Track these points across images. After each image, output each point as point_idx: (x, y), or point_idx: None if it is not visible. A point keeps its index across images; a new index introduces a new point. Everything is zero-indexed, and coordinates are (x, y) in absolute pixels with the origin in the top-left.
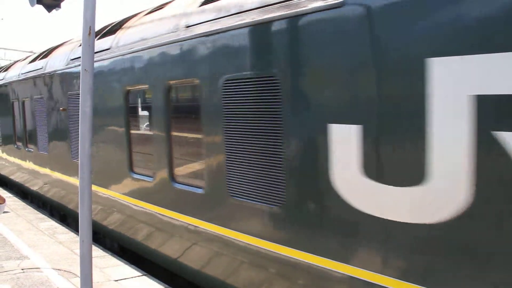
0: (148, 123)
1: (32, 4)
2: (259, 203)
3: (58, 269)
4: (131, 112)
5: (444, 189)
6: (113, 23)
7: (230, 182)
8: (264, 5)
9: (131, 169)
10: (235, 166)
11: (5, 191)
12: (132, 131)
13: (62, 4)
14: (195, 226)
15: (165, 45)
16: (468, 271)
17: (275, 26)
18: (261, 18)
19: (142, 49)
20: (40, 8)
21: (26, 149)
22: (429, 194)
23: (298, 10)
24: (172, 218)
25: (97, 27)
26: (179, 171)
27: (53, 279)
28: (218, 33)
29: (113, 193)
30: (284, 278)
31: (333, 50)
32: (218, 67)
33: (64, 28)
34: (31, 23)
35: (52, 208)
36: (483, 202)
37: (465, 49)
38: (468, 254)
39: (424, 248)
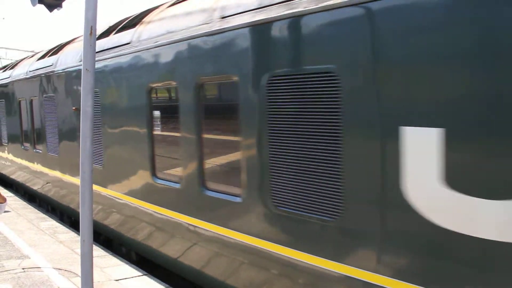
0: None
1: (33, 4)
2: (310, 214)
3: (59, 269)
4: (155, 112)
5: None
6: (130, 16)
7: (275, 190)
8: None
9: (153, 174)
10: (281, 173)
11: (6, 191)
12: (156, 133)
13: (64, 3)
14: (231, 238)
15: (196, 38)
16: None
17: (336, 15)
18: (318, 6)
19: (169, 43)
20: (41, 7)
21: (34, 150)
22: None
23: None
24: (202, 228)
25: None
26: (211, 177)
27: (54, 279)
28: (262, 23)
29: (132, 199)
30: None
31: (411, 41)
32: (261, 63)
33: (66, 28)
34: (32, 22)
35: (62, 213)
36: None
37: None
38: None
39: None
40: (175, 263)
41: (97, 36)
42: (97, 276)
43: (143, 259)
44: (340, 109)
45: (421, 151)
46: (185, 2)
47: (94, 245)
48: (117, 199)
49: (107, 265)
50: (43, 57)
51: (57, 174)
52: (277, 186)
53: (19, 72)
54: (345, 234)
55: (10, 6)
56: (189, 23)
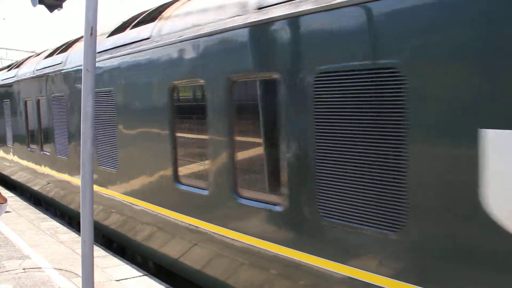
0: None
1: (34, 4)
2: (364, 226)
3: (60, 269)
4: (178, 112)
5: None
6: (147, 10)
7: (322, 199)
8: None
9: (176, 179)
10: (330, 180)
11: (7, 191)
12: (179, 134)
13: (64, 4)
14: (270, 252)
15: (228, 31)
16: None
17: (404, 3)
18: None
19: (196, 37)
20: (42, 8)
21: (42, 152)
22: None
23: None
24: (233, 239)
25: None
26: (245, 183)
27: (55, 279)
28: (309, 13)
29: (150, 206)
30: None
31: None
32: (308, 58)
33: (66, 28)
34: (32, 23)
35: (71, 219)
36: None
37: None
38: None
39: None
40: (200, 274)
41: (111, 32)
42: (97, 276)
43: (162, 269)
44: (406, 109)
45: (508, 156)
46: None
47: (95, 246)
48: (133, 205)
49: (108, 265)
50: (51, 55)
51: (66, 177)
52: (325, 194)
53: (25, 71)
54: (408, 249)
55: (11, 6)
56: (220, 15)
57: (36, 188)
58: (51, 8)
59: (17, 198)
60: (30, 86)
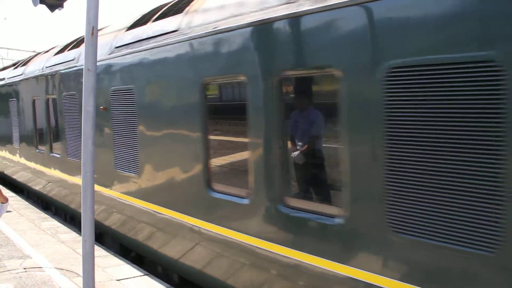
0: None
1: (35, 4)
2: (447, 244)
3: (60, 269)
4: (212, 112)
5: None
6: (170, 2)
7: (392, 211)
8: None
9: (208, 185)
10: (403, 189)
11: (8, 191)
12: (212, 137)
13: (65, 4)
14: (328, 271)
15: (275, 21)
16: None
17: None
18: None
19: (236, 28)
20: (43, 7)
21: (51, 154)
22: None
23: None
24: (283, 255)
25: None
26: (295, 192)
27: (55, 279)
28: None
29: (176, 214)
30: None
31: None
32: (375, 51)
33: (67, 28)
34: (33, 23)
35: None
36: None
37: None
38: None
39: None
40: None
41: (130, 25)
42: (98, 276)
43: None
44: (505, 108)
45: None
46: None
47: (95, 245)
48: (156, 213)
49: (109, 265)
50: (61, 51)
51: (78, 181)
52: (397, 206)
53: (33, 69)
54: (507, 271)
55: (12, 6)
56: (264, 3)
57: (44, 191)
58: (52, 7)
59: (18, 198)
60: (39, 85)
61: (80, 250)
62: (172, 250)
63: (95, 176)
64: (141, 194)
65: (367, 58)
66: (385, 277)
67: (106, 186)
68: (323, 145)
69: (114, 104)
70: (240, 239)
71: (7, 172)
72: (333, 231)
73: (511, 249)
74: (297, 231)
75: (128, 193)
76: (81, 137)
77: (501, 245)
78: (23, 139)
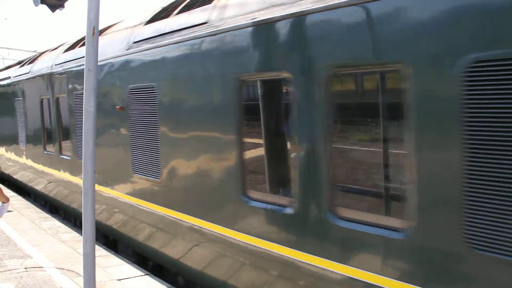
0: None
1: (36, 4)
2: None
3: (61, 268)
4: (249, 112)
5: None
6: None
7: (472, 227)
8: None
9: (243, 192)
10: (489, 201)
11: (9, 190)
12: (248, 139)
13: (66, 4)
14: None
15: (328, 10)
16: None
17: None
18: None
19: (280, 19)
20: (44, 8)
21: (61, 156)
22: None
23: None
24: (333, 271)
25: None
26: (347, 201)
27: (56, 278)
28: None
29: (206, 224)
30: None
31: None
32: (454, 42)
33: (68, 28)
34: (34, 22)
35: (96, 230)
36: None
37: None
38: None
39: None
40: None
41: (150, 19)
42: (99, 275)
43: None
44: None
45: None
46: None
47: (96, 245)
48: (180, 221)
49: (109, 264)
50: (72, 47)
51: None
52: (477, 221)
53: (41, 67)
54: None
55: (13, 6)
56: None
57: (52, 195)
58: (53, 8)
59: (19, 198)
60: (48, 83)
61: (81, 250)
62: (196, 260)
63: (109, 180)
64: (163, 201)
65: (439, 51)
66: None
67: (121, 191)
68: (388, 149)
69: (132, 103)
70: (279, 251)
71: (12, 173)
72: (396, 246)
73: None
74: (350, 246)
75: (147, 199)
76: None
77: None
78: (30, 139)
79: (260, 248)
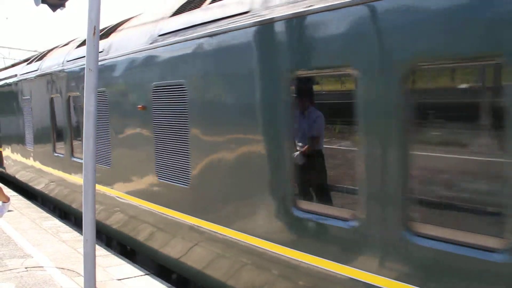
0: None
1: (37, 4)
2: None
3: (62, 268)
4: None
5: None
6: None
7: None
8: None
9: (294, 203)
10: None
11: (9, 190)
12: (303, 144)
13: (67, 3)
14: None
15: None
16: None
17: None
18: None
19: (342, 6)
20: (44, 7)
21: (73, 158)
22: None
23: None
24: None
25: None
26: (427, 216)
27: (57, 278)
28: None
29: (248, 238)
30: None
31: None
32: None
33: (68, 27)
34: (35, 22)
35: (110, 239)
36: None
37: None
38: None
39: None
40: None
41: (176, 10)
42: (99, 275)
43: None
44: None
45: None
46: None
47: (96, 245)
48: (216, 234)
49: (110, 264)
50: (85, 43)
51: (107, 190)
52: None
53: (51, 64)
54: None
55: (14, 6)
56: None
57: (63, 200)
58: (54, 7)
59: (20, 197)
60: (58, 81)
61: (81, 250)
62: (236, 278)
63: (129, 186)
64: (191, 209)
65: None
66: None
67: (143, 197)
68: (479, 157)
69: (156, 102)
70: (340, 271)
71: (18, 176)
72: (489, 269)
73: None
74: (431, 267)
75: (173, 207)
76: (111, 141)
77: None
78: (38, 141)
79: (318, 267)
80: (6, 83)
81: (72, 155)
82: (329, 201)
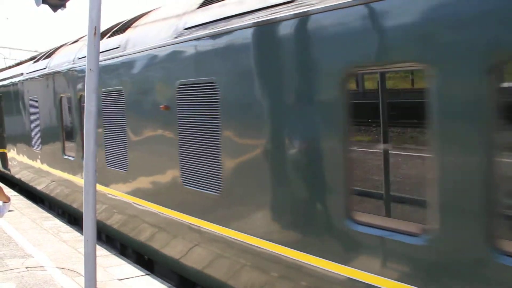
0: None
1: (37, 4)
2: None
3: (62, 268)
4: (358, 115)
5: None
6: None
7: None
8: None
9: (348, 215)
10: None
11: (10, 190)
12: (360, 148)
13: (67, 4)
14: None
15: None
16: None
17: None
18: None
19: None
20: (45, 7)
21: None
22: None
23: None
24: None
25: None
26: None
27: (57, 278)
28: None
29: (296, 254)
30: None
31: None
32: None
33: (69, 28)
34: (36, 22)
35: (125, 247)
36: None
37: None
38: None
39: None
40: None
41: (203, 2)
42: (100, 275)
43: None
44: None
45: None
46: None
47: (97, 245)
48: (253, 247)
49: (110, 264)
50: None
51: (122, 195)
52: None
53: (60, 61)
54: None
55: (14, 6)
56: None
57: (73, 204)
58: (54, 7)
59: (21, 197)
60: (69, 79)
61: (82, 250)
62: None
63: (151, 192)
64: (222, 219)
65: None
66: None
67: (167, 205)
68: None
69: (182, 101)
70: None
71: (24, 179)
72: None
73: None
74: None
75: (200, 216)
76: (129, 143)
77: None
78: (46, 142)
79: None
80: (11, 82)
81: (83, 157)
82: (389, 213)
